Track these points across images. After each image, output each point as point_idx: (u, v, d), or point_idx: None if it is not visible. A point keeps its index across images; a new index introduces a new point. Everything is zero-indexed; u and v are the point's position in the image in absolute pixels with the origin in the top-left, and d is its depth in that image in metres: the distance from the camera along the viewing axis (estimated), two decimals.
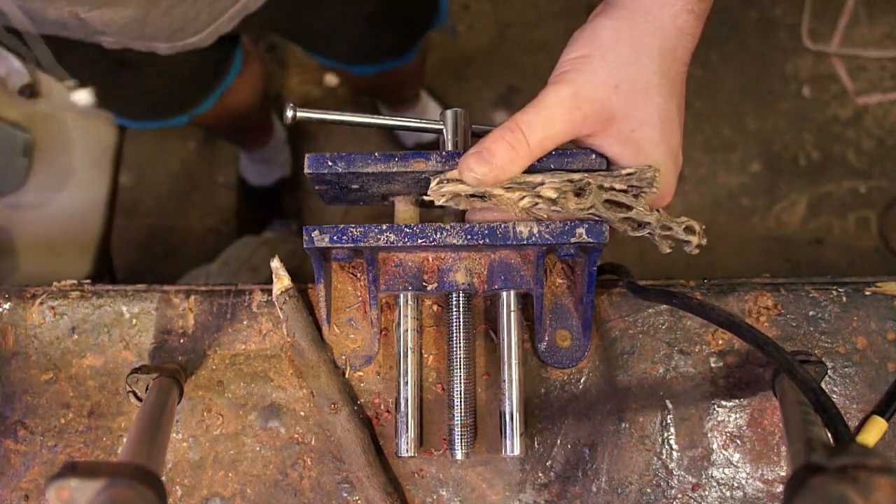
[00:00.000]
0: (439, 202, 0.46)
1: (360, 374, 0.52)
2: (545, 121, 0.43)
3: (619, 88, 0.43)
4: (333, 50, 0.97)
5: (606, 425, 0.51)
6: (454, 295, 0.50)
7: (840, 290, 0.52)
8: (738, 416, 0.51)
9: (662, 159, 0.44)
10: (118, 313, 0.53)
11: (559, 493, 0.51)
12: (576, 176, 0.45)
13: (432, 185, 0.46)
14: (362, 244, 0.46)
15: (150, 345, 0.53)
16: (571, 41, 0.45)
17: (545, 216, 0.46)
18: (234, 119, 1.14)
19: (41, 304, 0.53)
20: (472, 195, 0.46)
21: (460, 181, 0.45)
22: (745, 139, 1.57)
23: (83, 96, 0.73)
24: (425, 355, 0.52)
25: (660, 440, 0.51)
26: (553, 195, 0.45)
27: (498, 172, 0.43)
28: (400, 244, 0.46)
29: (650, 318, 0.52)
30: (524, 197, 0.45)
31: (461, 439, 0.49)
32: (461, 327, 0.50)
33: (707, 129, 1.57)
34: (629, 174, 0.45)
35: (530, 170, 0.45)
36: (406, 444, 0.49)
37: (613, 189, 0.45)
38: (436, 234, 0.46)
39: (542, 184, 0.45)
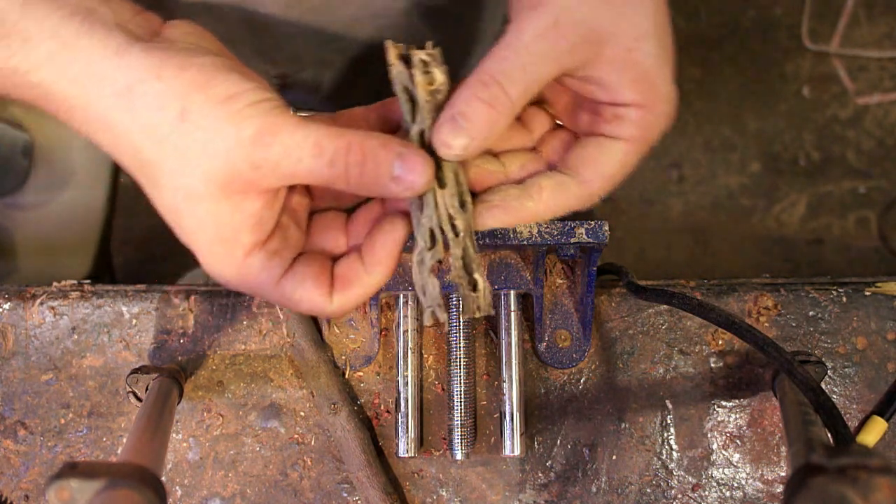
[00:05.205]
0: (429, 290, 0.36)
1: (360, 374, 0.52)
2: (525, 65, 0.34)
3: (607, 1, 0.35)
4: None
5: (606, 425, 0.51)
6: (454, 295, 0.50)
7: (840, 290, 0.52)
8: (738, 416, 0.51)
9: (665, 72, 0.36)
10: (118, 313, 0.53)
11: (559, 494, 0.51)
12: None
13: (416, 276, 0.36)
14: None
15: (150, 345, 0.53)
16: None
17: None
18: None
19: (41, 304, 0.53)
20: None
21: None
22: (745, 139, 1.57)
23: None
24: (425, 355, 0.52)
25: (660, 440, 0.51)
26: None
27: (479, 141, 0.35)
28: None
29: (650, 318, 0.52)
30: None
31: (461, 439, 0.49)
32: (461, 327, 0.50)
33: (707, 129, 1.57)
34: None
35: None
36: (406, 445, 0.49)
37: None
38: None
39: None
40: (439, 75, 0.36)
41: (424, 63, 0.36)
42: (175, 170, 0.33)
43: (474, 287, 0.36)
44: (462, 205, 0.36)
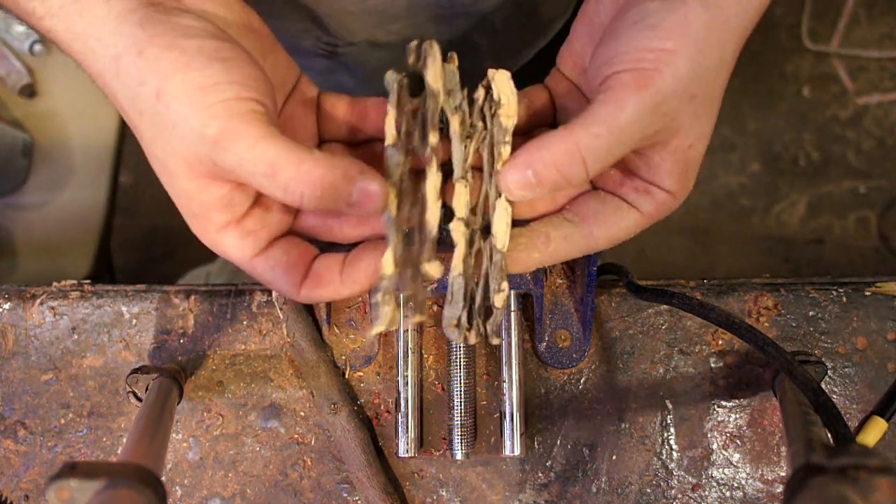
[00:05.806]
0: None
1: (360, 374, 0.52)
2: (614, 148, 0.33)
3: (694, 100, 0.35)
4: None
5: (606, 425, 0.51)
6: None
7: (840, 290, 0.52)
8: (738, 416, 0.51)
9: (697, 170, 0.38)
10: (118, 313, 0.53)
11: (559, 494, 0.51)
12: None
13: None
14: None
15: (150, 345, 0.53)
16: (652, 18, 0.34)
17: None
18: None
19: (41, 304, 0.53)
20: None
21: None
22: (745, 139, 1.57)
23: None
24: (425, 355, 0.52)
25: (660, 440, 0.51)
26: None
27: (537, 196, 0.35)
28: None
29: (650, 318, 0.52)
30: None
31: (461, 439, 0.49)
32: None
33: None
34: None
35: None
36: (406, 445, 0.49)
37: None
38: None
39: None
40: (515, 108, 0.37)
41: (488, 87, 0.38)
42: (152, 142, 0.35)
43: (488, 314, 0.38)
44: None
